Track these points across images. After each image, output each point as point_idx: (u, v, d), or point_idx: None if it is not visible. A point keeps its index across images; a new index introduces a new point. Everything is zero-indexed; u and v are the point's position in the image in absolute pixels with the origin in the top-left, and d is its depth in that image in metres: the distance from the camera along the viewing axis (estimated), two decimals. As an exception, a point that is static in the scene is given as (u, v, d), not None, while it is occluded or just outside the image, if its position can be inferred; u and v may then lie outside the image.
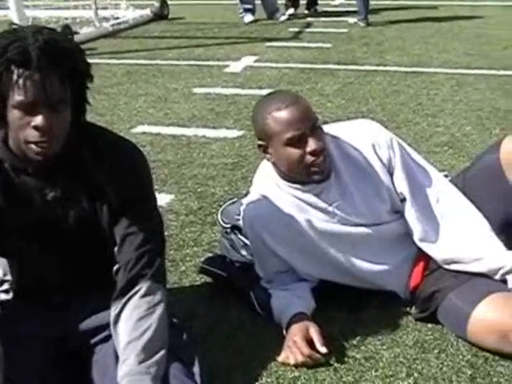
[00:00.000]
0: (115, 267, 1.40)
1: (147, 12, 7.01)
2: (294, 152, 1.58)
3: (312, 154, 1.58)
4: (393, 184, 1.68)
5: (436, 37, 5.64)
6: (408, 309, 1.75)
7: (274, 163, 1.66)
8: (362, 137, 1.69)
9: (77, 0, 7.03)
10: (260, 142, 1.65)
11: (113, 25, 6.46)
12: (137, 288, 1.36)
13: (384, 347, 1.62)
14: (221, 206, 2.16)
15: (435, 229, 1.67)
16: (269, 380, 1.53)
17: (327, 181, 1.65)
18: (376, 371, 1.54)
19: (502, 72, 4.34)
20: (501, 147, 1.70)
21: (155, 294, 1.37)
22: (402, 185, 1.67)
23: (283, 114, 1.58)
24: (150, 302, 1.35)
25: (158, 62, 5.02)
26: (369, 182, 1.66)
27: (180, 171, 2.83)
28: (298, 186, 1.66)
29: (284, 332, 1.63)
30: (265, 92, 3.50)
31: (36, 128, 1.24)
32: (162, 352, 1.32)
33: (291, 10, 6.86)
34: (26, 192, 1.36)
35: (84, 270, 1.45)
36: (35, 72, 1.21)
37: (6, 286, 1.50)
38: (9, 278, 1.50)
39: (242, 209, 1.75)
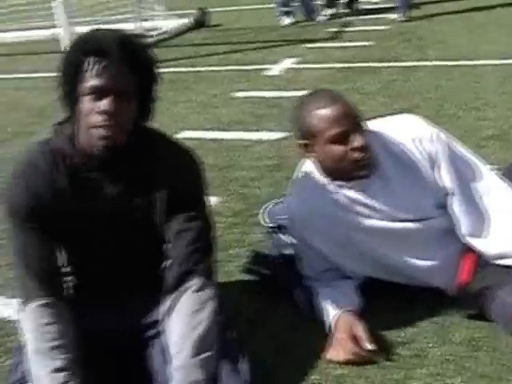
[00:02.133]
0: (167, 263, 1.43)
1: (186, 21, 7.12)
2: (339, 149, 1.58)
3: (356, 150, 1.57)
4: (438, 178, 1.65)
5: (480, 28, 5.50)
6: (456, 306, 1.71)
7: (317, 161, 1.66)
8: (404, 132, 1.67)
9: (120, 14, 7.19)
10: (303, 141, 1.65)
11: (154, 35, 6.58)
12: (189, 283, 1.39)
13: (430, 345, 1.59)
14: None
15: (483, 223, 1.63)
16: (317, 377, 1.52)
17: (371, 177, 1.64)
18: (424, 369, 1.51)
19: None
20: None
21: (207, 290, 1.39)
22: (447, 179, 1.64)
23: (327, 112, 1.58)
24: (201, 297, 1.38)
25: (199, 68, 5.10)
26: (412, 176, 1.64)
27: (223, 174, 2.86)
28: (341, 182, 1.65)
29: (330, 330, 1.62)
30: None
31: (101, 112, 1.33)
32: (215, 347, 1.34)
33: (330, 11, 6.83)
34: (90, 186, 1.42)
35: (139, 266, 1.48)
36: (107, 61, 1.32)
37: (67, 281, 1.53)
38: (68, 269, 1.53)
39: (284, 209, 1.75)
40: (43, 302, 1.39)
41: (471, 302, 1.66)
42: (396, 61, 4.68)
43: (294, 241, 1.82)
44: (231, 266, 2.06)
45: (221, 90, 4.37)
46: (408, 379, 1.49)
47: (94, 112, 1.34)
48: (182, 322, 1.36)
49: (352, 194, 1.65)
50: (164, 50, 6.14)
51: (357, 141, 1.56)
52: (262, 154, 3.07)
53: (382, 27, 5.97)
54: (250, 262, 1.96)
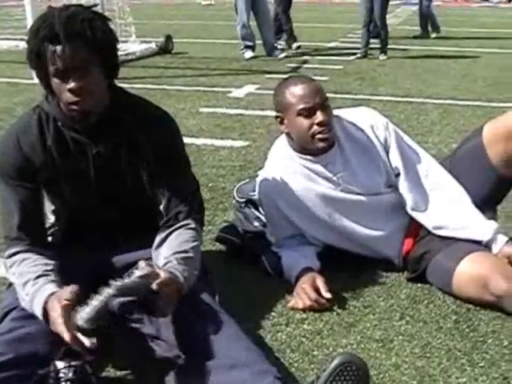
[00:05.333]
0: (162, 221, 1.58)
1: (152, 46, 7.39)
2: (304, 122, 1.85)
3: (319, 124, 1.84)
4: (388, 160, 1.94)
5: (425, 74, 6.04)
6: (401, 273, 1.99)
7: (287, 134, 1.92)
8: (362, 119, 1.97)
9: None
10: (278, 114, 1.92)
11: (121, 55, 6.77)
12: (185, 222, 1.56)
13: (380, 299, 1.86)
14: (231, 197, 2.40)
15: (425, 199, 1.93)
16: (280, 320, 1.75)
17: (333, 154, 1.91)
18: (373, 315, 1.77)
19: (486, 104, 4.69)
20: (483, 130, 1.97)
21: (198, 232, 1.58)
22: (396, 160, 1.94)
23: (298, 89, 1.86)
24: (194, 234, 1.56)
25: (165, 87, 5.35)
26: (368, 157, 1.93)
27: (193, 170, 3.07)
28: (308, 157, 1.92)
29: (294, 286, 1.85)
30: (268, 113, 3.85)
31: (70, 91, 1.45)
32: (198, 272, 1.51)
33: (288, 51, 7.34)
34: (73, 146, 1.56)
35: (122, 217, 1.62)
36: (62, 45, 1.42)
37: (53, 229, 1.67)
38: (55, 222, 1.66)
39: (258, 179, 2.01)
40: (28, 247, 1.52)
41: (412, 266, 1.94)
42: (349, 93, 5.09)
43: (262, 214, 2.07)
44: (204, 239, 2.26)
45: (188, 105, 4.63)
46: (359, 322, 1.74)
47: (65, 91, 1.45)
48: (174, 246, 1.51)
49: (316, 167, 1.92)
50: (130, 69, 6.36)
51: (320, 117, 1.84)
52: (227, 157, 3.33)
53: (338, 67, 6.44)
54: (222, 232, 2.18)
